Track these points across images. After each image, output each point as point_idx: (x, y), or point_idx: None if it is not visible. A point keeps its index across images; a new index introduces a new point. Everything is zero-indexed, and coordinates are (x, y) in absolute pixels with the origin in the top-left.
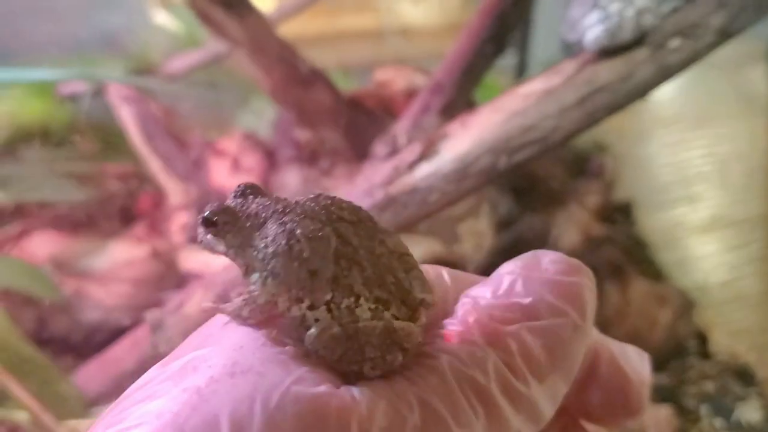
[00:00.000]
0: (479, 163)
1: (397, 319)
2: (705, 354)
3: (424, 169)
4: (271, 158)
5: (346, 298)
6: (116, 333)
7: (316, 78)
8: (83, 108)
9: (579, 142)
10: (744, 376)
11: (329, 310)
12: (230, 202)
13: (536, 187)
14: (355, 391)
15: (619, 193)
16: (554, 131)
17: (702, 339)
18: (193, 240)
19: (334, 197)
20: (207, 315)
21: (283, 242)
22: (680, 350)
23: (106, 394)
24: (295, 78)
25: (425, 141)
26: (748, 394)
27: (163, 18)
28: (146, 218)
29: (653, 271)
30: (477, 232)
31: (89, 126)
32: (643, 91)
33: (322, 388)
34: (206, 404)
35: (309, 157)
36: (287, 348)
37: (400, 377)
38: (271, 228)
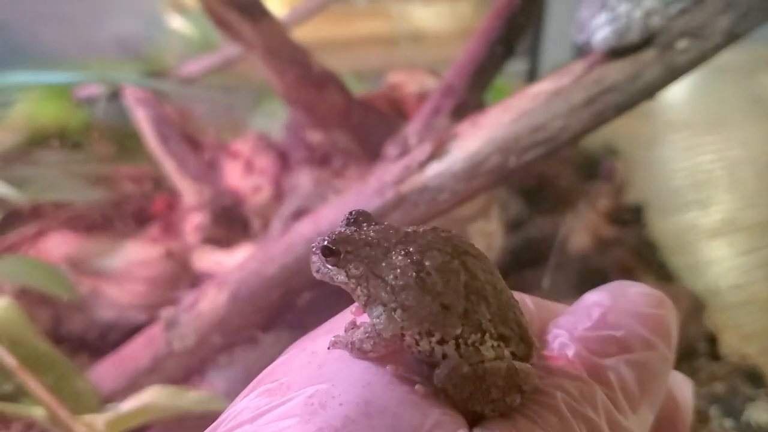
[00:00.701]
0: (489, 162)
1: (515, 357)
2: (715, 356)
3: (435, 169)
4: (283, 159)
5: (473, 334)
6: (131, 331)
7: (328, 80)
8: (99, 111)
9: (590, 145)
10: (754, 377)
11: (457, 346)
12: (345, 229)
13: (546, 189)
14: None
15: (631, 197)
16: (563, 131)
17: (712, 341)
18: (207, 240)
19: (451, 231)
20: (245, 322)
21: (413, 274)
22: (690, 352)
23: (120, 391)
24: (307, 80)
25: (436, 141)
26: (757, 396)
27: (177, 22)
28: (160, 219)
29: (664, 274)
30: (487, 233)
31: (105, 128)
32: (651, 91)
33: None
34: None
35: (321, 158)
36: (417, 387)
37: (520, 416)
38: (398, 259)
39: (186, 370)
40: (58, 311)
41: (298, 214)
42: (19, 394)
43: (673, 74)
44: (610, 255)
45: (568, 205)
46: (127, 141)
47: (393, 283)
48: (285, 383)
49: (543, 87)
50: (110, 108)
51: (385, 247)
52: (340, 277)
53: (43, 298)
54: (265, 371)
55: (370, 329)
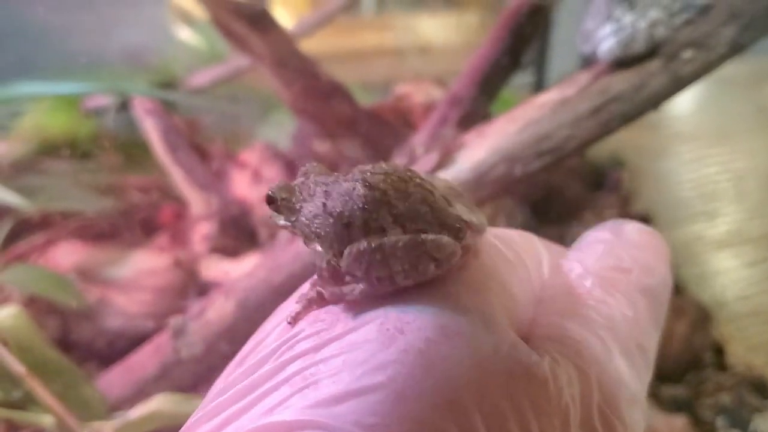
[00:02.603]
0: (495, 172)
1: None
2: (721, 366)
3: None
4: (291, 169)
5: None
6: (139, 339)
7: (336, 91)
8: (108, 121)
9: (597, 156)
10: (760, 388)
11: None
12: (295, 181)
13: (553, 200)
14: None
15: (638, 208)
16: (569, 140)
17: (719, 352)
18: (214, 250)
19: (383, 163)
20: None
21: (320, 203)
22: (697, 362)
23: (128, 399)
24: (315, 91)
25: (442, 151)
26: (764, 406)
27: (186, 34)
28: (168, 229)
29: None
30: None
31: (114, 138)
32: (656, 101)
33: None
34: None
35: (328, 167)
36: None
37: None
38: (314, 195)
39: (194, 378)
40: (67, 319)
41: None
42: (28, 402)
43: (678, 84)
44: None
45: (575, 215)
46: (135, 151)
47: (309, 216)
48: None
49: (549, 97)
50: (119, 118)
51: (314, 191)
52: (281, 222)
53: (51, 306)
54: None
55: (316, 269)
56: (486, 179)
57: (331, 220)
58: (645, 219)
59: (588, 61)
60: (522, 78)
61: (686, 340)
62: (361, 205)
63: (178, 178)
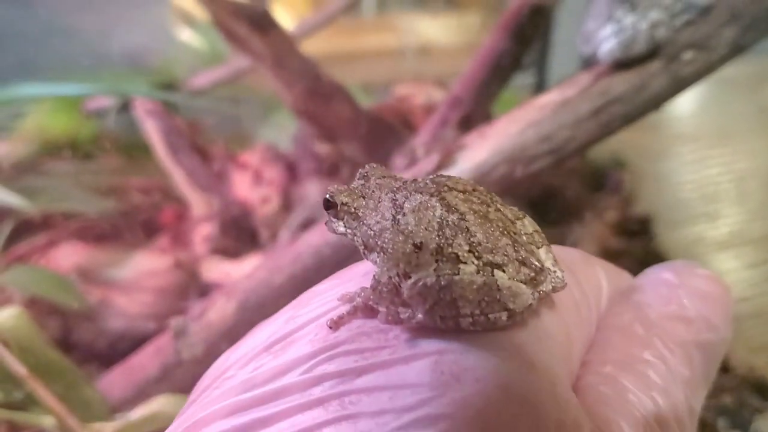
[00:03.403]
0: (496, 172)
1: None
2: (723, 368)
3: None
4: (291, 170)
5: (450, 268)
6: (140, 340)
7: (336, 92)
8: (110, 122)
9: (598, 157)
10: (762, 389)
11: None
12: (354, 184)
13: (554, 201)
14: None
15: (639, 209)
16: (569, 141)
17: None
18: (215, 251)
19: (452, 176)
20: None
21: (390, 217)
22: None
23: (129, 400)
24: (315, 92)
25: (443, 152)
26: (765, 408)
27: (187, 35)
28: (169, 230)
29: None
30: None
31: (115, 139)
32: (657, 102)
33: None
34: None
35: (329, 169)
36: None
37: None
38: (383, 205)
39: (195, 379)
40: (68, 321)
41: (306, 224)
42: (29, 403)
43: (678, 85)
44: (617, 266)
45: (576, 216)
46: (136, 152)
47: (375, 228)
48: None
49: (549, 98)
50: (120, 119)
51: (379, 197)
52: (341, 228)
53: (53, 307)
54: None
55: (372, 281)
56: (487, 180)
57: (401, 238)
58: (646, 220)
59: (589, 62)
60: (523, 79)
61: None
62: (437, 227)
63: (179, 179)
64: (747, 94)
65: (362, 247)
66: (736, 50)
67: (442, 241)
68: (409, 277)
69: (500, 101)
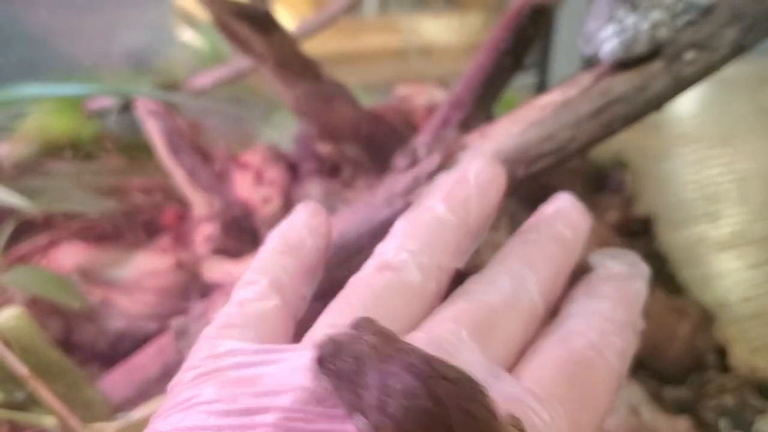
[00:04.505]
0: None
1: None
2: (725, 368)
3: None
4: (293, 171)
5: None
6: (141, 341)
7: (338, 92)
8: (111, 122)
9: (599, 157)
10: (764, 390)
11: None
12: None
13: None
14: None
15: (640, 209)
16: (571, 141)
17: (722, 353)
18: (217, 251)
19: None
20: None
21: None
22: (699, 364)
23: (130, 400)
24: (317, 93)
25: (444, 152)
26: (767, 408)
27: (188, 35)
28: (171, 230)
29: (674, 286)
30: (496, 244)
31: (116, 140)
32: (658, 102)
33: None
34: None
35: (330, 169)
36: None
37: None
38: None
39: None
40: (69, 321)
41: None
42: (31, 403)
43: (680, 85)
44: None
45: None
46: (138, 152)
47: None
48: None
49: (551, 98)
50: (122, 120)
51: None
52: None
53: (54, 307)
54: None
55: None
56: None
57: None
58: (647, 220)
59: (590, 63)
60: (524, 79)
61: (689, 342)
62: None
63: (181, 179)
64: (748, 95)
65: None
66: (738, 50)
67: None
68: None
69: (502, 101)
